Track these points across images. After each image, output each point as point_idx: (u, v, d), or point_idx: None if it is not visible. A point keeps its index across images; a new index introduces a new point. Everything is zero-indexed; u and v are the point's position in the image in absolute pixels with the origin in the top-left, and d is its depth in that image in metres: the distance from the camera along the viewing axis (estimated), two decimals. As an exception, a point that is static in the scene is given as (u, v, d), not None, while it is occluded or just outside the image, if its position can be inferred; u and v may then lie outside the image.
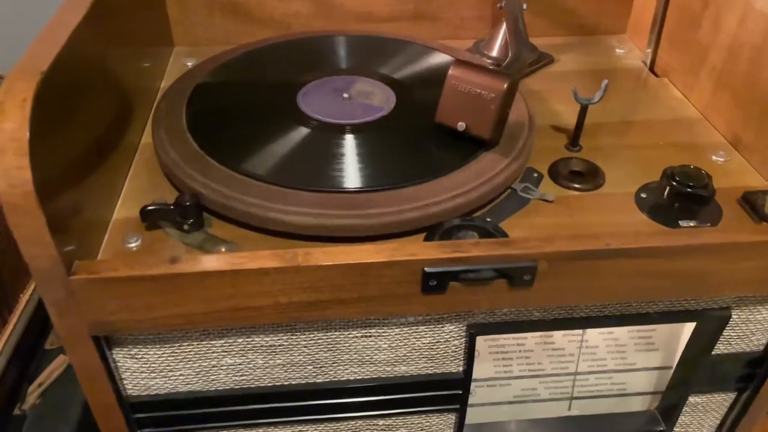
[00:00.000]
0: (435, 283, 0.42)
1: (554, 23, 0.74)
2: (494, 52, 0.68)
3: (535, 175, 0.53)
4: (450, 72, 0.51)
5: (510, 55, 0.56)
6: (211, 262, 0.40)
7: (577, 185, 0.52)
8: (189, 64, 0.68)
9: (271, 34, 0.69)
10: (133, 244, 0.46)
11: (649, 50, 0.69)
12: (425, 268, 0.41)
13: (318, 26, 0.71)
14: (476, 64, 0.51)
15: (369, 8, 0.71)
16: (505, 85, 0.49)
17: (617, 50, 0.72)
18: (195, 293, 0.41)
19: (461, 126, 0.50)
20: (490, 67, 0.52)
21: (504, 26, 0.67)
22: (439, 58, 0.63)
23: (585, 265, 0.43)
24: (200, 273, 0.40)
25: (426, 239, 0.46)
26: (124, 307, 0.41)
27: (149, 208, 0.45)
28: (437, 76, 0.57)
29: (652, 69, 0.69)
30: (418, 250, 0.42)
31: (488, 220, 0.48)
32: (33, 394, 0.67)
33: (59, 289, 0.40)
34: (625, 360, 0.57)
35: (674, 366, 0.56)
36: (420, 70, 0.61)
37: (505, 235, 0.45)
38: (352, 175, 0.48)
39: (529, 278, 0.43)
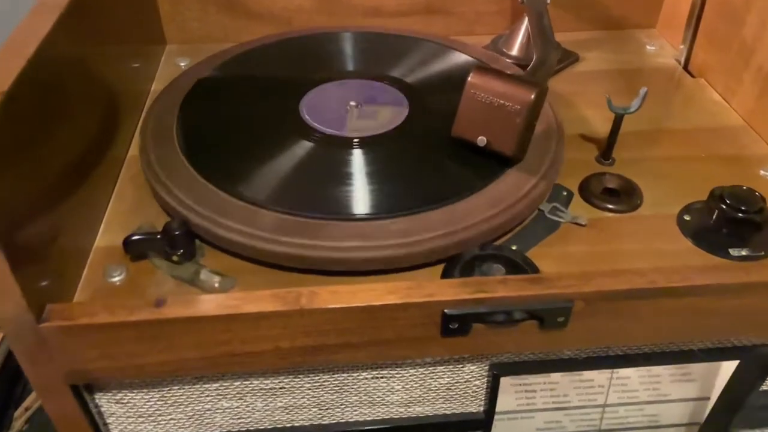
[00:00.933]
0: (456, 326, 0.37)
1: (578, 17, 0.68)
2: (514, 51, 0.62)
3: (565, 193, 0.47)
4: (469, 80, 0.45)
5: (534, 57, 0.50)
6: (201, 305, 0.35)
7: (611, 206, 0.46)
8: (182, 64, 0.62)
9: (271, 30, 0.64)
10: (116, 278, 0.41)
11: (684, 47, 0.63)
12: (445, 311, 0.36)
13: (321, 21, 0.66)
14: (499, 70, 0.46)
15: (377, 1, 0.66)
16: (532, 96, 0.43)
17: (648, 47, 0.67)
18: (185, 339, 0.36)
19: (482, 141, 0.45)
20: (515, 74, 0.47)
21: (526, 22, 0.62)
22: (457, 59, 0.57)
23: (627, 304, 0.38)
24: (189, 318, 0.35)
25: (445, 273, 0.41)
26: (104, 355, 0.36)
27: (133, 238, 0.40)
28: (455, 80, 0.52)
29: (686, 68, 0.63)
30: (436, 290, 0.36)
31: (514, 248, 0.43)
32: (20, 419, 0.63)
33: (29, 338, 0.35)
34: (659, 391, 0.52)
35: (712, 398, 0.51)
36: (435, 73, 0.56)
37: (535, 268, 0.40)
38: (360, 198, 0.43)
39: (563, 320, 0.38)
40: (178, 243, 0.41)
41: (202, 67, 0.55)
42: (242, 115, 0.50)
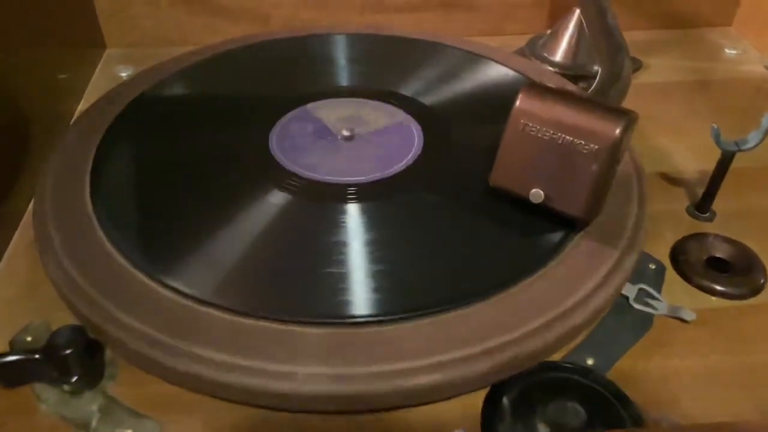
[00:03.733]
0: None
1: (635, 11, 0.54)
2: (558, 56, 0.48)
3: (653, 267, 0.33)
4: (518, 105, 0.30)
5: (601, 70, 0.36)
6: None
7: (723, 287, 0.32)
8: (124, 74, 0.48)
9: (241, 31, 0.49)
10: (-26, 422, 0.26)
11: (778, 51, 0.49)
12: (497, 499, 0.22)
13: (307, 18, 0.51)
14: (561, 90, 0.32)
15: (379, -8, 0.51)
16: (617, 131, 0.29)
17: (727, 50, 0.52)
18: None
19: (537, 196, 0.30)
20: (583, 96, 0.32)
21: (574, 19, 0.47)
22: (493, 72, 0.42)
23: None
24: None
25: (487, 412, 0.26)
26: None
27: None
28: (491, 101, 0.38)
29: (780, 78, 0.49)
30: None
31: (590, 363, 0.28)
32: None
33: None
34: None
35: None
36: (462, 91, 0.41)
37: (633, 411, 0.26)
38: (358, 289, 0.28)
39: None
40: (70, 365, 0.26)
41: (139, 82, 0.40)
42: (189, 154, 0.36)
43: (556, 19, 0.51)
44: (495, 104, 0.32)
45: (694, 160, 0.40)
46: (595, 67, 0.46)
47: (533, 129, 0.30)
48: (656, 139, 0.42)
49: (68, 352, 0.26)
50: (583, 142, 0.29)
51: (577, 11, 0.47)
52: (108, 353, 0.28)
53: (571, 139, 0.29)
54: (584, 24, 0.44)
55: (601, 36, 0.38)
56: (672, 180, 0.39)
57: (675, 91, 0.48)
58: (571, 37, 0.47)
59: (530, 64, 0.46)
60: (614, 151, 0.29)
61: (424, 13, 0.52)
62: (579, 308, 0.28)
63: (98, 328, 0.27)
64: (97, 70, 0.49)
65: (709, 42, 0.53)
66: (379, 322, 0.27)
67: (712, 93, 0.48)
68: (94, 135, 0.36)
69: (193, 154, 0.35)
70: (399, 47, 0.45)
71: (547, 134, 0.30)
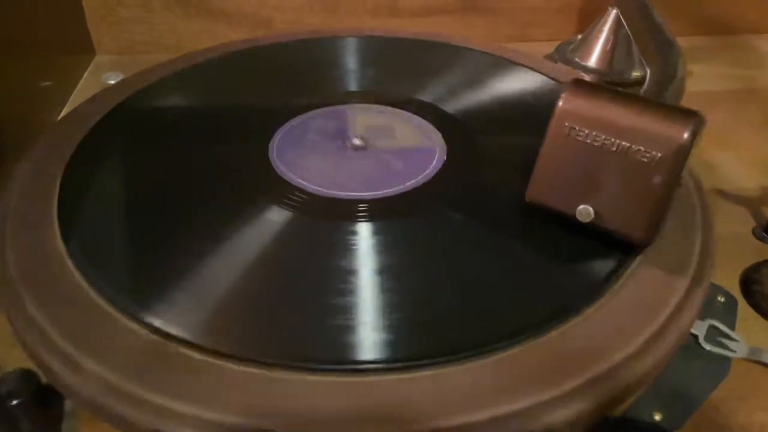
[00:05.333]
0: None
1: (674, 17, 0.49)
2: (592, 61, 0.43)
3: (722, 298, 0.28)
4: (561, 105, 0.26)
5: (650, 70, 0.31)
6: None
7: (809, 324, 0.27)
8: (112, 82, 0.43)
9: (243, 35, 0.45)
10: None
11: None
12: None
13: (314, 23, 0.47)
14: (612, 88, 0.27)
15: (392, -4, 0.47)
16: (685, 135, 0.24)
17: (775, 57, 0.48)
18: None
19: (585, 213, 0.25)
20: (638, 95, 0.28)
21: (610, 21, 0.43)
22: (523, 78, 0.38)
23: None
24: None
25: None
26: None
27: None
28: (524, 109, 0.34)
29: (838, 87, 0.44)
30: None
31: (658, 419, 0.23)
32: None
33: None
34: None
35: None
36: (490, 98, 0.36)
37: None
38: (369, 328, 0.23)
39: None
40: (18, 419, 0.21)
41: (121, 90, 0.36)
42: (175, 166, 0.31)
43: (584, 23, 0.46)
44: (530, 112, 0.28)
45: (752, 174, 0.35)
46: (634, 73, 0.42)
47: (580, 133, 0.25)
48: (707, 152, 0.38)
49: (15, 402, 0.21)
50: (642, 149, 0.24)
51: (612, 12, 0.42)
52: (68, 403, 0.23)
53: (628, 145, 0.25)
54: (625, 24, 0.39)
55: (648, 34, 0.34)
56: (731, 197, 0.34)
57: (723, 99, 0.43)
58: (606, 40, 0.43)
59: (568, 70, 0.41)
60: (681, 159, 0.24)
61: (441, 18, 0.48)
62: (644, 352, 0.23)
63: (54, 374, 0.22)
64: (83, 77, 0.44)
65: (755, 48, 0.49)
66: (397, 370, 0.22)
67: (763, 102, 0.43)
68: (67, 148, 0.31)
69: (180, 167, 0.31)
70: (418, 51, 0.40)
71: (598, 140, 0.25)
